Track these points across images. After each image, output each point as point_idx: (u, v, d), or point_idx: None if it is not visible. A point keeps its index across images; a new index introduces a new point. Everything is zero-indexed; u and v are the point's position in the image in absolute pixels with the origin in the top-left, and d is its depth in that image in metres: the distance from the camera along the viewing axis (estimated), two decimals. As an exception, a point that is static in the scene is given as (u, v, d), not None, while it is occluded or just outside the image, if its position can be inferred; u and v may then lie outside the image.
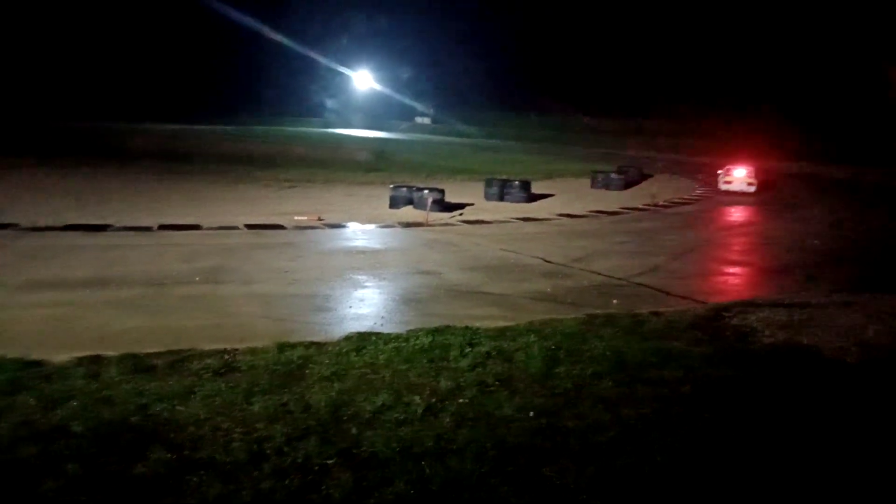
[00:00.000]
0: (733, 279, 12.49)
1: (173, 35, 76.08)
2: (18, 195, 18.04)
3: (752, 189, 28.14)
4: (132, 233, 13.64)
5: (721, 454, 4.88)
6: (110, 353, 6.29)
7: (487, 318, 8.23)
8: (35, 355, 6.14)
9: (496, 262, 12.25)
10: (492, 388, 5.87)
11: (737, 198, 27.34)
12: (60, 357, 6.13)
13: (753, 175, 28.66)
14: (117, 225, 14.20)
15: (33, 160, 26.81)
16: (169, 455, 4.45)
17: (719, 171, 30.13)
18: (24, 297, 8.66)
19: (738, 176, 28.62)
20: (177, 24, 75.90)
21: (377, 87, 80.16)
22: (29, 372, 5.76)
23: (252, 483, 4.20)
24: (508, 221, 17.56)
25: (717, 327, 8.14)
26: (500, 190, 21.77)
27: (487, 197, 21.63)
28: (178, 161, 30.31)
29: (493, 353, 6.75)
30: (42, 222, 14.00)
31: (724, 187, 28.49)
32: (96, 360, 6.11)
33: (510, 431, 5.07)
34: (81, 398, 5.24)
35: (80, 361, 6.05)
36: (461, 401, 5.59)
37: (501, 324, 7.90)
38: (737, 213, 23.36)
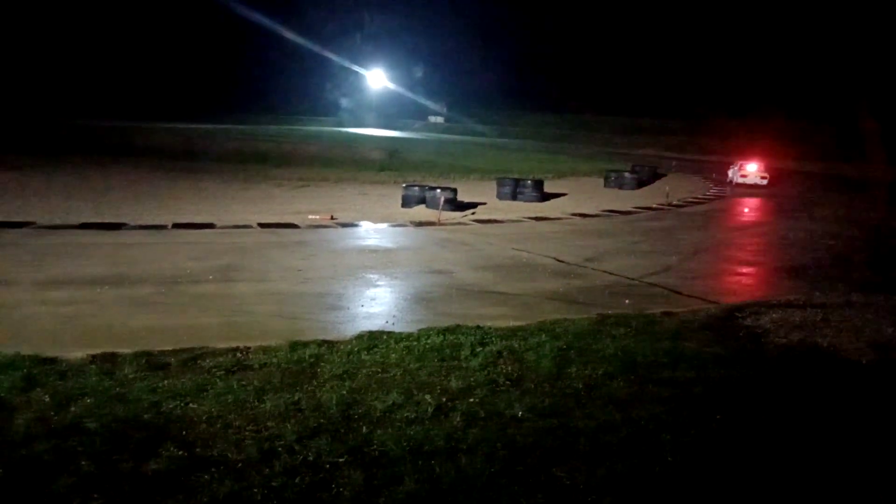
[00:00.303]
0: (747, 279, 12.39)
1: (189, 35, 76.62)
2: (35, 193, 18.25)
3: (765, 182, 30.40)
4: (146, 231, 13.76)
5: (733, 456, 4.84)
6: (124, 350, 6.35)
7: (498, 318, 8.22)
8: (50, 352, 6.20)
9: (508, 262, 12.24)
10: (502, 388, 5.87)
11: (751, 190, 28.79)
12: (75, 354, 6.20)
13: (765, 169, 30.94)
14: (132, 223, 14.32)
15: (50, 158, 27.10)
16: (181, 452, 4.48)
17: (732, 167, 32.42)
18: (39, 294, 8.75)
19: (752, 170, 30.90)
20: (192, 24, 76.40)
21: (390, 86, 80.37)
22: (44, 369, 5.82)
23: (263, 481, 4.22)
24: (521, 221, 17.53)
25: (730, 328, 8.08)
26: (513, 189, 21.74)
27: (500, 196, 21.61)
28: (192, 160, 30.53)
29: (504, 352, 6.74)
30: (58, 220, 14.15)
31: (739, 180, 30.60)
32: (110, 357, 6.16)
33: (520, 431, 5.06)
34: (95, 395, 5.29)
35: (94, 359, 6.11)
36: (472, 400, 5.59)
37: (513, 323, 7.89)
38: (750, 213, 23.19)
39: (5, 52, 64.81)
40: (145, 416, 4.99)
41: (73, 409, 5.05)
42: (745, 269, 13.23)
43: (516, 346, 6.94)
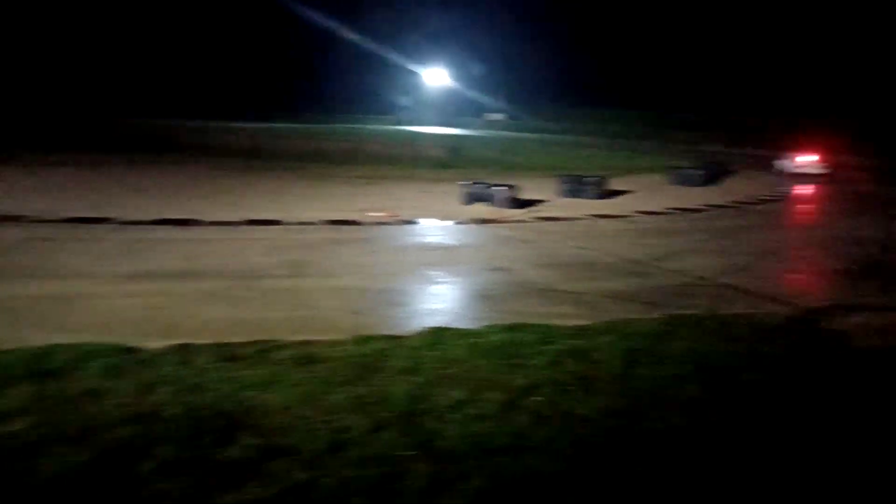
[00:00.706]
0: (824, 280, 11.87)
1: (250, 36, 78.36)
2: (110, 191, 19.12)
3: (824, 172, 32.26)
4: (218, 227, 14.20)
5: (809, 463, 4.65)
6: (200, 341, 6.58)
7: (563, 317, 8.13)
8: (131, 342, 6.50)
9: (571, 260, 12.09)
10: (568, 388, 5.80)
11: (810, 181, 30.07)
12: (155, 344, 6.46)
13: (822, 160, 33.17)
14: (204, 220, 14.79)
15: (121, 157, 28.34)
16: (255, 441, 4.62)
17: (782, 159, 34.70)
18: (121, 286, 9.18)
19: (809, 160, 33.40)
20: (251, 24, 78.07)
21: (450, 83, 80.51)
22: (127, 357, 6.10)
23: (333, 471, 4.31)
24: (583, 218, 17.28)
25: (806, 331, 7.76)
26: (575, 186, 21.43)
27: (562, 193, 21.34)
28: (257, 158, 31.32)
29: (570, 351, 6.66)
30: (135, 216, 14.75)
31: (797, 170, 32.61)
32: (187, 347, 6.41)
33: (588, 431, 5.00)
34: (174, 384, 5.51)
35: (173, 349, 6.36)
36: (537, 399, 5.55)
37: (578, 322, 7.79)
38: (824, 211, 22.21)
39: (67, 49, 67.59)
40: (221, 404, 5.16)
41: (153, 396, 5.28)
42: (820, 269, 12.67)
43: (582, 345, 6.84)
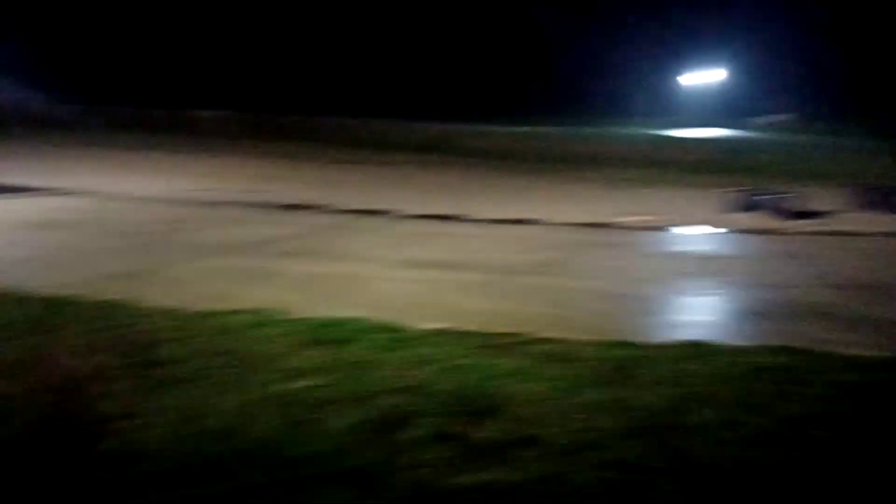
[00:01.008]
0: None
1: (503, 39, 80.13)
2: (387, 186, 21.40)
3: None
4: (477, 224, 15.05)
5: None
6: (459, 327, 7.04)
7: (848, 345, 7.09)
8: (400, 322, 7.16)
9: (862, 281, 10.49)
10: (849, 426, 5.07)
11: None
12: (421, 326, 7.06)
13: None
14: (467, 216, 15.74)
15: (399, 157, 31.36)
16: (504, 427, 4.81)
17: None
18: (392, 272, 10.22)
19: None
20: (504, 28, 79.79)
21: (721, 81, 74.83)
22: (396, 335, 6.75)
23: (576, 469, 4.31)
24: (881, 235, 14.89)
25: None
26: (872, 197, 18.57)
27: (855, 205, 18.62)
28: (511, 160, 32.31)
29: (853, 385, 5.81)
30: (407, 211, 16.23)
31: None
32: (448, 332, 6.90)
33: (863, 475, 4.33)
34: (436, 363, 5.96)
35: (436, 332, 6.88)
36: (807, 432, 4.94)
37: (866, 353, 6.75)
38: None
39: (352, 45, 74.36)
40: (476, 388, 5.46)
41: (418, 372, 5.77)
42: None
43: (870, 379, 5.93)
